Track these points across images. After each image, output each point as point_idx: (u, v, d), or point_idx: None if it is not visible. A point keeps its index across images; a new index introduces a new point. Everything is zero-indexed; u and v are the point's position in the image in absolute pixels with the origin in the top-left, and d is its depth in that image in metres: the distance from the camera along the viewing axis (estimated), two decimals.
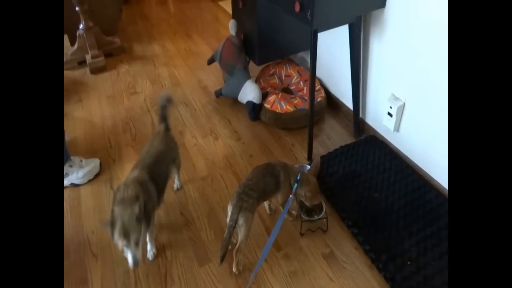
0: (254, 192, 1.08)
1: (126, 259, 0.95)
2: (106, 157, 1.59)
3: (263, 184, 1.12)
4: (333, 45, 1.72)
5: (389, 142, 1.57)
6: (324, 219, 1.24)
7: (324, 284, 1.10)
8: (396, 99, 1.43)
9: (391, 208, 1.27)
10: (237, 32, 1.82)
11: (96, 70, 2.20)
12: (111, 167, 1.54)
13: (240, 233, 1.07)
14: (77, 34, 2.17)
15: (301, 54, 2.08)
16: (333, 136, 1.69)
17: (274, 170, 1.16)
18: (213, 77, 2.14)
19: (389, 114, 1.46)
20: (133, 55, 2.38)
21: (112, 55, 2.35)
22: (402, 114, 1.43)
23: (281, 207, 1.26)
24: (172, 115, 1.85)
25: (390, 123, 1.48)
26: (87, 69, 2.19)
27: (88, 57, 2.20)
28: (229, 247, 1.07)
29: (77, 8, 2.07)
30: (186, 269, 1.15)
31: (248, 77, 1.79)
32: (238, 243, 1.09)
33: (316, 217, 1.24)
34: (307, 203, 1.20)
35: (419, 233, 1.18)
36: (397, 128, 1.48)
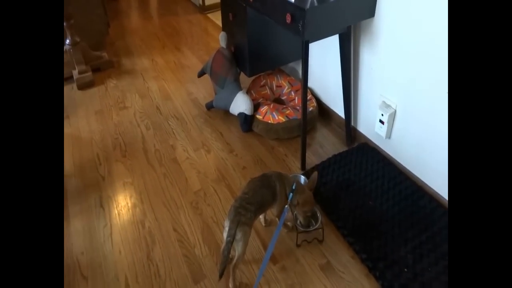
0: (252, 205, 1.10)
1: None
2: (95, 175, 1.58)
3: (260, 197, 1.13)
4: (324, 55, 1.77)
5: (381, 149, 1.61)
6: (320, 229, 1.26)
7: None
8: (388, 106, 1.47)
9: (386, 216, 1.30)
10: (228, 44, 1.87)
11: (83, 86, 2.20)
12: (100, 184, 1.54)
13: (238, 248, 1.07)
14: (64, 50, 2.19)
15: (291, 64, 2.13)
16: (326, 145, 1.72)
17: (269, 181, 1.18)
18: (204, 90, 2.17)
19: (381, 121, 1.50)
20: (122, 69, 2.40)
21: (100, 70, 2.37)
22: (393, 121, 1.48)
23: (277, 219, 1.28)
24: (162, 128, 1.86)
25: (382, 130, 1.52)
26: (74, 85, 2.20)
27: (75, 73, 2.21)
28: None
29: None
30: (181, 287, 1.14)
31: (240, 89, 1.82)
32: (235, 259, 1.09)
33: (312, 227, 1.25)
34: (299, 213, 1.21)
35: (415, 239, 1.20)
36: (389, 135, 1.53)
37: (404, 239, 1.21)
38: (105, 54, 2.43)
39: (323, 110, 1.90)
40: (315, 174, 1.25)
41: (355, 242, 1.21)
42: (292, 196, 1.17)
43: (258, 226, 1.32)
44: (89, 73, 2.23)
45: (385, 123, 1.48)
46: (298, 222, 1.25)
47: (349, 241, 1.23)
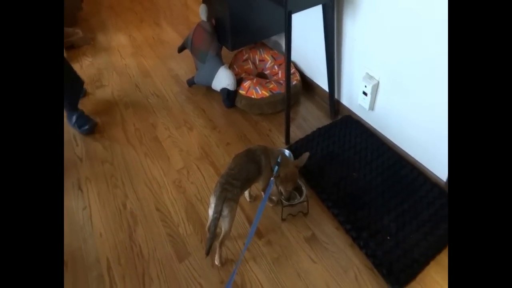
0: (238, 181, 1.04)
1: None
2: (72, 156, 1.48)
3: (246, 172, 1.08)
4: (307, 27, 1.66)
5: (364, 121, 1.56)
6: (305, 202, 1.22)
7: (307, 267, 1.08)
8: (371, 78, 1.40)
9: (369, 186, 1.27)
10: (208, 17, 1.72)
11: None
12: (77, 166, 1.44)
13: (224, 224, 1.03)
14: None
15: (274, 38, 2.01)
16: (310, 119, 1.65)
17: (255, 155, 1.11)
18: (185, 66, 2.03)
19: (364, 93, 1.43)
20: (97, 46, 2.22)
21: (74, 47, 2.18)
22: (376, 92, 1.42)
23: (262, 193, 1.23)
24: (142, 106, 1.75)
25: (365, 102, 1.46)
26: None
27: None
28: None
29: None
30: (165, 266, 1.09)
31: (221, 64, 1.71)
32: (222, 235, 1.04)
33: (296, 201, 1.21)
34: (281, 187, 1.16)
35: (397, 208, 1.18)
36: (372, 106, 1.47)
37: (387, 208, 1.18)
38: (79, 31, 2.23)
39: (307, 84, 1.81)
40: (305, 155, 1.19)
41: (340, 213, 1.18)
42: (277, 169, 1.12)
43: (243, 202, 1.27)
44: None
45: (368, 95, 1.42)
46: (283, 196, 1.20)
47: (334, 213, 1.20)
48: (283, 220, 1.22)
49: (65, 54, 2.05)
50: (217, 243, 1.05)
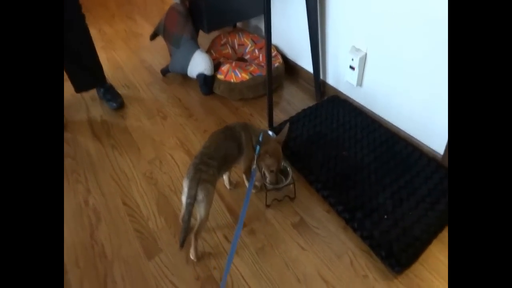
0: (214, 160, 0.93)
1: None
2: None
3: (223, 151, 0.97)
4: (287, 8, 1.60)
5: (353, 100, 1.49)
6: (291, 186, 1.12)
7: (296, 255, 0.98)
8: (358, 50, 1.34)
9: (361, 164, 1.18)
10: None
11: None
12: None
13: (200, 211, 0.91)
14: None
15: (254, 22, 1.95)
16: (294, 102, 1.58)
17: (234, 132, 1.01)
18: (160, 57, 1.95)
19: (351, 67, 1.37)
20: None
21: None
22: (364, 65, 1.35)
23: (244, 178, 1.13)
24: None
25: (352, 77, 1.39)
26: None
27: None
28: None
29: None
30: (131, 265, 0.97)
31: (197, 47, 1.62)
32: (197, 224, 0.93)
33: (281, 184, 1.11)
34: (264, 168, 1.05)
35: (393, 185, 1.09)
36: (360, 82, 1.40)
37: (382, 185, 1.10)
38: None
39: (290, 67, 1.75)
40: (286, 127, 1.09)
41: (330, 195, 1.09)
42: (259, 148, 1.02)
43: (223, 189, 1.17)
44: None
45: (356, 69, 1.35)
46: (268, 180, 1.11)
47: (324, 195, 1.11)
48: (267, 206, 1.12)
49: None
50: (192, 234, 0.94)
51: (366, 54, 1.32)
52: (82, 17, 1.42)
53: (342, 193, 1.09)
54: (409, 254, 0.92)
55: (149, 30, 2.23)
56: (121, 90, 1.68)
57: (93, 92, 1.68)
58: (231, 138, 1.01)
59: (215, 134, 1.02)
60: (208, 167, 0.91)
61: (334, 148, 1.26)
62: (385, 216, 1.01)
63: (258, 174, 1.12)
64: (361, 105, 1.45)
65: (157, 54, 1.97)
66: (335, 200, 1.08)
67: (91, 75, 1.55)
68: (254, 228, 1.05)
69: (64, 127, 1.48)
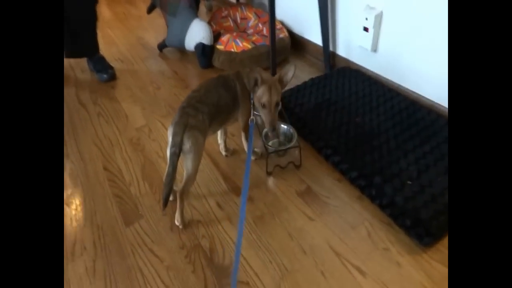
0: (204, 105, 0.81)
1: None
2: None
3: (216, 97, 0.84)
4: None
5: (366, 69, 1.37)
6: (296, 150, 0.99)
7: (301, 224, 0.84)
8: (372, 8, 1.22)
9: (378, 130, 1.05)
10: None
11: None
12: None
13: (187, 164, 0.78)
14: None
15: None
16: (301, 75, 1.46)
17: (227, 81, 0.89)
18: (157, 35, 1.87)
19: (365, 29, 1.25)
20: None
21: None
22: (380, 25, 1.23)
23: (244, 142, 1.01)
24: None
25: (366, 41, 1.28)
26: None
27: None
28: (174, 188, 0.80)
29: None
30: (106, 231, 0.84)
31: (195, 16, 1.54)
32: (184, 180, 0.79)
33: (285, 146, 0.99)
34: (261, 110, 0.88)
35: (416, 150, 0.96)
36: (375, 46, 1.29)
37: (403, 151, 0.96)
38: None
39: (296, 42, 1.65)
40: (290, 65, 0.90)
41: (342, 161, 0.96)
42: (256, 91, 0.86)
43: (217, 155, 1.05)
44: None
45: (370, 30, 1.24)
46: (269, 128, 0.88)
47: (334, 162, 0.97)
48: (268, 174, 0.98)
49: None
50: (177, 194, 0.81)
51: (382, 12, 1.21)
52: None
53: (356, 159, 0.95)
54: (440, 223, 0.77)
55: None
56: (113, 64, 1.59)
57: (84, 64, 1.60)
58: (225, 87, 0.88)
59: (207, 80, 0.90)
60: (196, 111, 0.79)
61: (345, 115, 1.13)
62: (409, 182, 0.87)
63: (260, 144, 0.99)
64: (376, 74, 1.33)
65: (155, 32, 1.90)
66: (348, 165, 0.94)
67: (84, 44, 1.48)
68: (252, 196, 0.92)
69: None
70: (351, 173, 0.92)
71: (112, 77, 1.49)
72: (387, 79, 1.29)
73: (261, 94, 0.85)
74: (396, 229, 0.81)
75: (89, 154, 1.08)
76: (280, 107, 0.91)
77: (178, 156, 0.76)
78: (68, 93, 1.40)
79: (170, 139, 0.78)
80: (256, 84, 0.86)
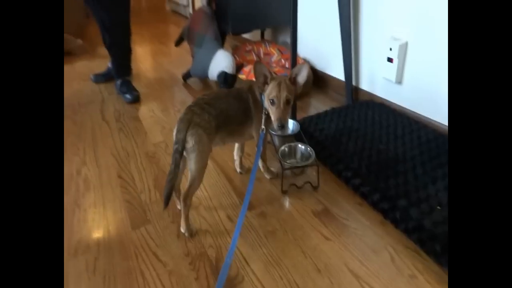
0: (212, 108, 0.82)
1: None
2: None
3: (225, 104, 0.85)
4: (314, 17, 1.66)
5: (391, 102, 1.39)
6: (314, 171, 0.97)
7: (317, 243, 0.79)
8: (396, 39, 1.27)
9: (404, 157, 1.03)
10: (209, 1, 1.77)
11: None
12: None
13: (190, 164, 0.77)
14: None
15: (282, 38, 2.02)
16: (322, 108, 1.51)
17: (240, 93, 0.91)
18: (185, 69, 2.01)
19: (389, 59, 1.30)
20: (95, 54, 2.30)
21: (71, 54, 2.28)
22: (405, 55, 1.27)
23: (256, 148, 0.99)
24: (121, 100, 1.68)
25: (391, 72, 1.31)
26: None
27: None
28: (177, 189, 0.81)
29: None
30: (112, 232, 0.83)
31: (220, 47, 1.67)
32: (188, 183, 0.78)
33: (302, 163, 0.97)
34: (265, 99, 0.86)
35: (446, 178, 0.92)
36: (400, 77, 1.31)
37: (431, 178, 0.92)
38: (79, 40, 2.37)
39: (319, 78, 1.72)
40: (304, 64, 0.89)
41: (363, 183, 0.92)
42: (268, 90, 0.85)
43: (231, 172, 1.05)
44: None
45: (395, 60, 1.27)
46: (277, 126, 0.84)
47: (355, 184, 0.94)
48: (283, 192, 0.96)
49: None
50: (181, 198, 0.79)
51: (407, 43, 1.26)
52: (127, 17, 1.62)
53: (379, 182, 0.92)
54: None
55: (178, 50, 2.39)
56: (140, 89, 1.72)
57: (112, 89, 1.73)
58: (236, 98, 0.89)
59: (220, 89, 0.93)
60: (203, 111, 0.80)
61: (368, 142, 1.12)
62: (438, 207, 0.81)
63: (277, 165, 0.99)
64: (401, 107, 1.35)
65: (182, 66, 2.05)
66: (369, 188, 0.90)
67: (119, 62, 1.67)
68: (265, 211, 0.89)
69: (75, 112, 1.49)
70: (373, 196, 0.89)
71: (136, 99, 1.60)
72: (414, 112, 1.30)
73: (270, 90, 0.84)
74: (424, 256, 0.75)
75: (105, 163, 1.12)
76: (292, 103, 0.87)
77: (181, 154, 0.75)
78: (94, 109, 1.50)
79: (175, 134, 0.78)
80: (266, 81, 0.86)
